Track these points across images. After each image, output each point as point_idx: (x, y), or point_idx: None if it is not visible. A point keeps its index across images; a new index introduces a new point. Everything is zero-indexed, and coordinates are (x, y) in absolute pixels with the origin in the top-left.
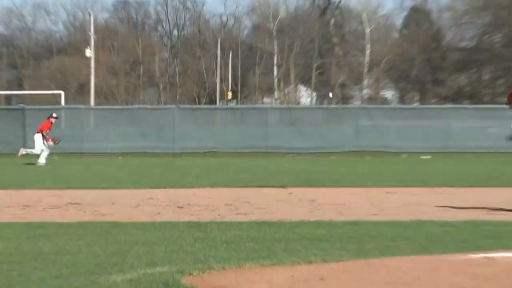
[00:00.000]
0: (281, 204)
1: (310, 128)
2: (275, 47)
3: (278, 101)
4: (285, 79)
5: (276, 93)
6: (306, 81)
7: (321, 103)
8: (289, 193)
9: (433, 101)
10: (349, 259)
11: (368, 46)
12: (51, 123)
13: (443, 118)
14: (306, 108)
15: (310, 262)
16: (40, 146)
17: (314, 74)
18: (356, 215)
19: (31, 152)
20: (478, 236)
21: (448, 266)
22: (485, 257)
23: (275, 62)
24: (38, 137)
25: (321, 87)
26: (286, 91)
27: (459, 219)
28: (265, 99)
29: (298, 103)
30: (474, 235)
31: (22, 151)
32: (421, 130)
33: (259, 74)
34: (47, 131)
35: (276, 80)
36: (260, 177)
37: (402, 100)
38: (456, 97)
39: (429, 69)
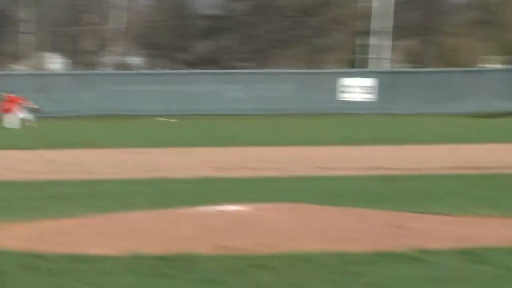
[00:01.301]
0: (25, 164)
1: (60, 93)
2: (24, 15)
3: (29, 69)
4: (36, 47)
5: (26, 60)
6: (57, 49)
7: (74, 69)
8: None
9: (180, 67)
10: (90, 215)
11: (113, 14)
12: None
13: (188, 83)
14: (55, 75)
15: (53, 218)
16: None
17: (64, 41)
18: (95, 173)
19: None
20: (209, 191)
21: (183, 218)
22: (217, 210)
23: (21, 28)
24: None
25: (73, 55)
26: (36, 59)
27: (194, 177)
28: (17, 66)
29: (49, 70)
30: (207, 191)
31: None
32: (167, 94)
33: (9, 41)
34: None
35: (24, 48)
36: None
37: (152, 66)
38: (201, 62)
39: (176, 36)
